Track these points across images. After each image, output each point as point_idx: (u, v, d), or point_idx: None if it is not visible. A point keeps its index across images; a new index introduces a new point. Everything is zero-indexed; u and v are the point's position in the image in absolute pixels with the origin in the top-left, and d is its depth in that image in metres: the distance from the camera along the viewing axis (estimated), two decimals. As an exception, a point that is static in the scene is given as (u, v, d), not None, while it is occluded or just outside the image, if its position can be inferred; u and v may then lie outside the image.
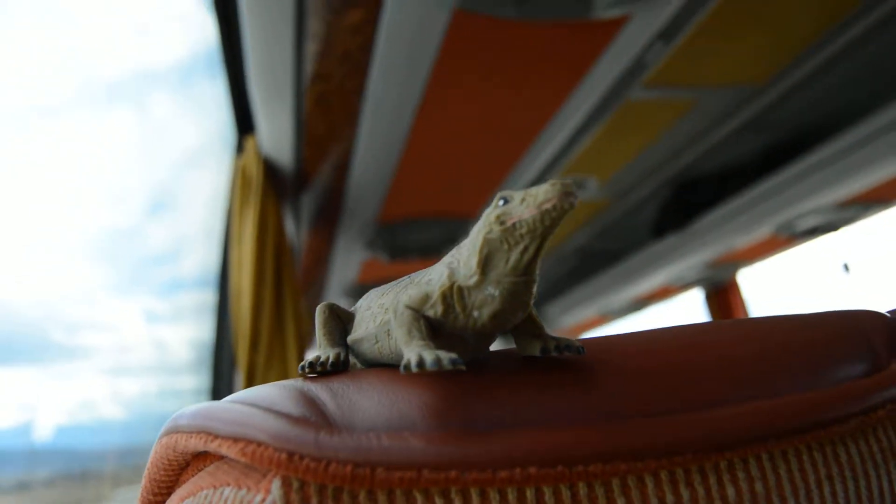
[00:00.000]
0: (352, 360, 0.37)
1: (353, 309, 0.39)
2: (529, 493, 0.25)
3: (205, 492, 0.28)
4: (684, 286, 2.67)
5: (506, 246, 0.28)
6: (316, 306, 0.40)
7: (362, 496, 0.24)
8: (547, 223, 0.27)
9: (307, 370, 0.34)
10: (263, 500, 0.24)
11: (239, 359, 1.56)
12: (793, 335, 0.35)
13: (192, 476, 0.30)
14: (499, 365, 0.31)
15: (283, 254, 1.62)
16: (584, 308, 3.08)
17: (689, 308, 2.88)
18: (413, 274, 0.34)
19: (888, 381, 0.31)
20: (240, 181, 1.62)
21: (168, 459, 0.31)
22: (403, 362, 0.27)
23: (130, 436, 2.50)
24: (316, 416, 0.26)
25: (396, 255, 2.21)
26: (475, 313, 0.29)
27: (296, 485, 0.24)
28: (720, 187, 2.04)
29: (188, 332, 2.37)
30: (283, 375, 1.57)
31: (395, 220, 2.03)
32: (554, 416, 0.26)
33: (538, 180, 2.00)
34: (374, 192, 1.79)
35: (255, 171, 1.58)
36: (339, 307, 0.39)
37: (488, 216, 0.29)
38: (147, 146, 2.04)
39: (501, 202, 0.29)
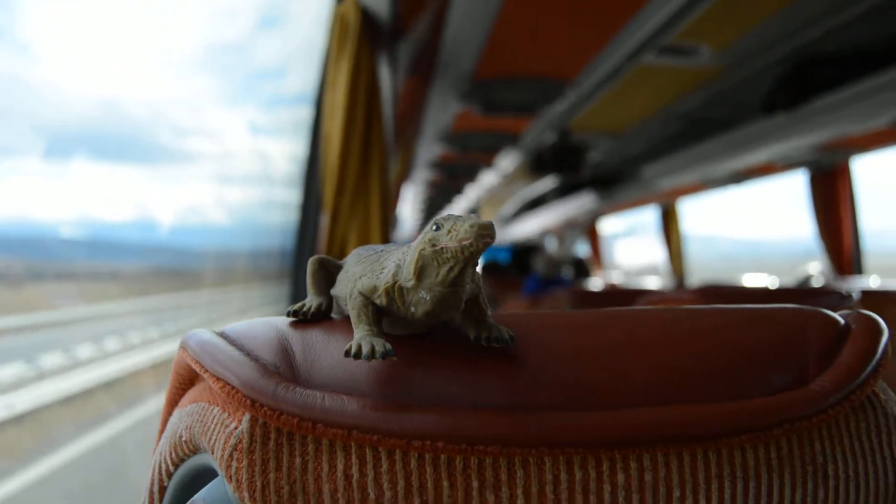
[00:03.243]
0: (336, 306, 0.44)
1: (341, 262, 0.45)
2: (443, 458, 0.31)
3: (203, 403, 0.36)
4: (789, 165, 2.56)
5: (435, 263, 0.34)
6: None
7: (309, 440, 0.31)
8: (466, 255, 0.33)
9: (291, 315, 0.41)
10: (237, 427, 0.32)
11: (325, 201, 1.66)
12: (726, 339, 0.37)
13: (201, 382, 0.39)
14: (438, 344, 0.37)
15: (374, 104, 1.67)
16: (684, 173, 3.01)
17: (791, 187, 2.77)
18: (385, 249, 0.40)
19: (798, 401, 0.33)
20: (338, 29, 1.64)
21: (184, 365, 0.40)
22: (346, 347, 0.33)
23: (233, 239, 2.72)
24: (284, 367, 0.34)
25: (491, 109, 2.21)
26: (412, 308, 0.35)
27: (260, 421, 0.32)
28: (841, 70, 1.89)
29: (288, 147, 2.48)
30: (366, 222, 1.68)
31: (491, 76, 2.01)
32: (467, 399, 0.32)
33: (646, 45, 1.91)
34: (471, 46, 1.77)
35: (352, 20, 1.60)
36: (328, 260, 0.45)
37: (424, 236, 0.35)
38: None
39: (434, 228, 0.34)
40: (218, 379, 0.34)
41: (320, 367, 0.34)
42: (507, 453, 0.30)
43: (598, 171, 3.75)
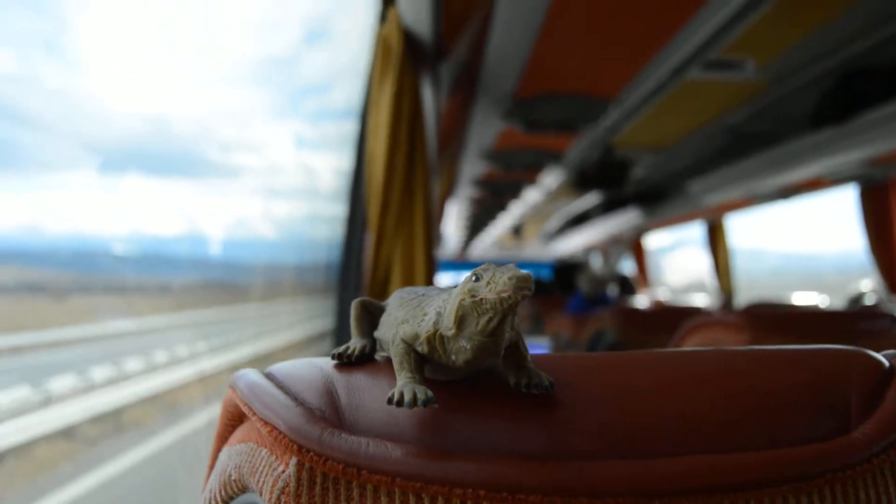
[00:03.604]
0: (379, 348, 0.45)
1: (383, 304, 0.46)
2: None
3: (252, 444, 0.37)
4: (838, 180, 2.51)
5: (475, 313, 0.35)
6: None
7: (354, 485, 0.32)
8: (505, 306, 0.34)
9: (336, 359, 0.42)
10: (284, 471, 0.33)
11: (370, 221, 1.70)
12: (767, 382, 0.37)
13: (248, 421, 0.40)
14: (479, 390, 0.38)
15: (418, 124, 1.70)
16: (730, 189, 2.97)
17: (841, 202, 2.71)
18: (427, 292, 0.41)
19: (841, 449, 0.33)
20: (381, 50, 1.68)
21: (233, 404, 0.42)
22: (389, 394, 0.34)
23: (280, 253, 2.77)
24: (329, 411, 0.35)
25: (533, 127, 2.22)
26: (453, 356, 0.36)
27: (306, 466, 0.33)
28: (889, 82, 1.86)
29: (333, 161, 2.52)
30: (410, 241, 1.70)
31: (532, 95, 2.02)
32: (507, 445, 0.33)
33: (691, 60, 1.91)
34: (512, 66, 1.79)
35: (395, 42, 1.63)
36: (371, 302, 0.47)
37: (463, 286, 0.36)
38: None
39: (474, 279, 0.36)
40: (266, 423, 0.35)
41: (365, 412, 0.35)
42: (547, 503, 0.31)
43: (643, 186, 3.72)
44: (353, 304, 0.47)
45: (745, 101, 2.33)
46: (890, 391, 0.36)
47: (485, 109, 2.10)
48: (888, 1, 1.54)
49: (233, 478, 0.37)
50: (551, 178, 3.68)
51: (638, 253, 5.26)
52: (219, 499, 0.38)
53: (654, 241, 5.27)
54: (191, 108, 2.13)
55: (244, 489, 0.37)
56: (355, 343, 0.44)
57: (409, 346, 0.38)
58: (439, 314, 0.37)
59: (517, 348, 0.38)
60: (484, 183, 4.00)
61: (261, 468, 0.35)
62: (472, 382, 0.39)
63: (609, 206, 4.13)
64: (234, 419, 0.42)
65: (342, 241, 2.09)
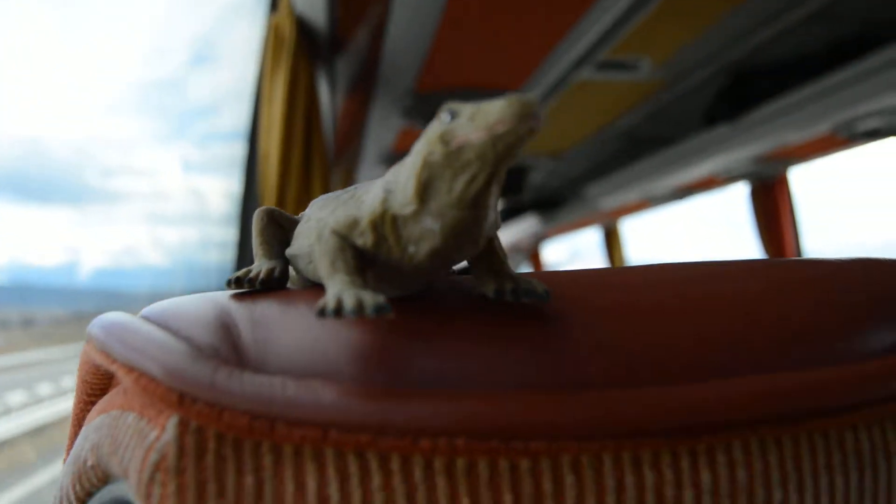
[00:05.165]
0: (292, 273, 0.33)
1: (298, 216, 0.34)
2: (460, 463, 0.21)
3: (115, 412, 0.25)
4: (730, 178, 2.58)
5: (449, 172, 0.23)
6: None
7: (265, 448, 0.21)
8: (500, 150, 0.22)
9: (233, 285, 0.30)
10: (158, 437, 0.22)
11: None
12: (816, 291, 0.29)
13: (115, 387, 0.28)
14: (445, 305, 0.27)
15: (314, 118, 1.59)
16: (626, 192, 3.01)
17: (733, 201, 2.79)
18: (360, 185, 0.29)
19: None
20: (272, 40, 1.57)
21: (92, 364, 0.30)
22: (319, 303, 0.23)
23: (170, 281, 2.62)
24: (225, 347, 0.24)
25: (433, 125, 2.15)
26: (411, 248, 0.24)
27: (192, 425, 0.22)
28: (780, 79, 1.91)
29: (224, 184, 2.39)
30: (308, 241, 1.60)
31: (433, 90, 1.96)
32: (491, 378, 0.23)
33: (585, 58, 1.90)
34: (412, 59, 1.72)
35: (287, 30, 1.53)
36: (280, 213, 0.34)
37: (430, 134, 0.24)
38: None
39: (448, 117, 0.24)
40: (131, 369, 0.24)
41: (277, 347, 0.24)
42: (556, 450, 0.21)
43: (541, 193, 3.74)
44: (257, 214, 0.33)
45: (641, 101, 2.36)
46: None
47: (384, 107, 2.02)
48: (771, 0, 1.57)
49: (89, 464, 0.25)
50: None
51: (536, 265, 5.30)
52: (72, 497, 0.26)
53: (552, 252, 5.34)
54: (70, 132, 1.94)
55: (105, 479, 0.25)
56: (260, 265, 0.31)
57: (344, 238, 0.26)
58: (388, 190, 0.25)
59: (493, 245, 0.27)
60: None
61: (126, 441, 0.23)
62: (431, 298, 0.27)
63: (508, 214, 4.13)
64: (94, 389, 0.30)
65: (234, 262, 1.96)
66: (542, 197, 3.76)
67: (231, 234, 2.07)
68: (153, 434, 0.22)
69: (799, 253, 2.62)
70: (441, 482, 0.21)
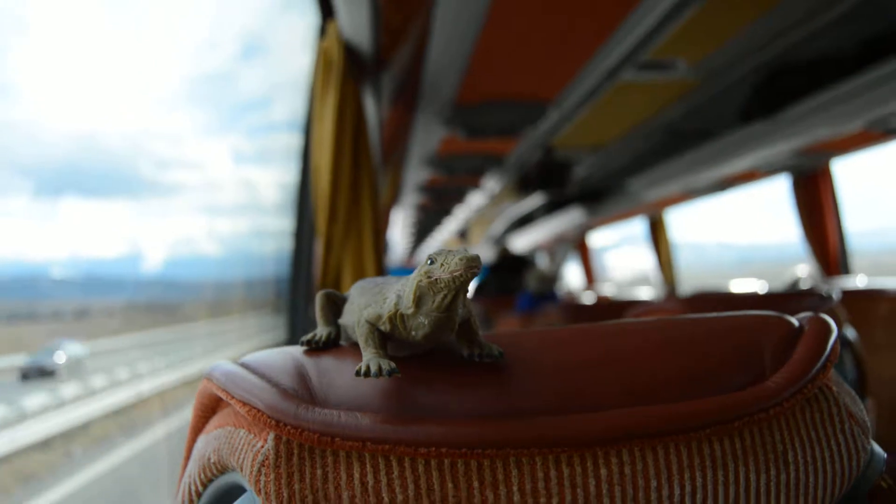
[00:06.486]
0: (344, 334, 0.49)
1: (345, 295, 0.51)
2: (446, 462, 0.35)
3: (230, 427, 0.40)
4: (771, 171, 2.60)
5: (431, 292, 0.39)
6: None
7: (328, 453, 0.35)
8: (457, 284, 0.38)
9: (304, 345, 0.46)
10: (263, 445, 0.36)
11: (318, 229, 1.70)
12: (695, 346, 0.42)
13: (224, 409, 0.43)
14: (436, 362, 0.42)
15: (361, 134, 1.70)
16: (668, 184, 3.05)
17: (776, 192, 2.82)
18: (386, 282, 0.45)
19: (756, 396, 0.37)
20: (322, 64, 1.68)
21: (208, 394, 0.45)
22: (358, 367, 0.38)
23: (225, 270, 2.75)
24: (302, 390, 0.38)
25: (474, 133, 2.24)
26: (413, 332, 0.41)
27: (284, 439, 0.36)
28: (814, 77, 1.94)
29: (274, 175, 2.51)
30: (359, 248, 1.72)
31: (473, 102, 2.05)
32: (465, 409, 0.37)
33: (618, 67, 1.96)
34: (451, 73, 1.81)
35: (335, 55, 1.64)
36: (334, 294, 0.51)
37: (420, 269, 0.40)
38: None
39: (429, 262, 0.40)
40: (244, 404, 0.38)
41: (334, 389, 0.38)
42: (503, 455, 0.34)
43: (585, 185, 3.79)
44: (318, 296, 0.51)
45: (678, 99, 2.40)
46: (799, 346, 0.41)
47: (426, 117, 2.12)
48: (804, 1, 1.61)
49: (212, 461, 0.40)
50: (494, 182, 3.72)
51: (583, 251, 5.35)
52: (198, 482, 0.42)
53: (599, 238, 5.38)
54: (124, 125, 2.08)
55: (223, 470, 0.40)
56: (322, 331, 0.48)
57: (373, 325, 0.42)
58: (399, 296, 0.41)
59: (469, 324, 0.43)
60: (428, 189, 4.02)
61: (240, 447, 0.38)
62: (430, 356, 0.43)
63: (552, 207, 4.19)
64: (207, 410, 0.45)
65: (291, 252, 2.08)
66: (585, 190, 3.81)
67: (285, 224, 2.17)
68: (258, 444, 0.37)
69: (841, 239, 2.64)
70: (434, 474, 0.35)
